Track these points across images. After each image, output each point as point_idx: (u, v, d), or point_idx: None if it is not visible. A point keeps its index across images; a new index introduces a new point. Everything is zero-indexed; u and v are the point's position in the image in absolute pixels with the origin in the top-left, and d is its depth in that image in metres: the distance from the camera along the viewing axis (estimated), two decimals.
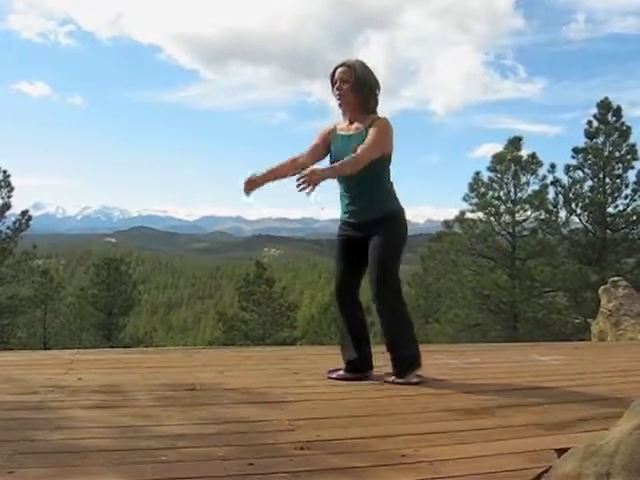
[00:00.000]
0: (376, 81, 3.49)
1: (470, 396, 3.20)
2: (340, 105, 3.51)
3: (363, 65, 3.46)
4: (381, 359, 3.59)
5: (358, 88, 3.40)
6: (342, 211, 3.59)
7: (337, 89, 3.45)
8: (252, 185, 3.50)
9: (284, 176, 3.54)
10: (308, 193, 3.04)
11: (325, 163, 3.56)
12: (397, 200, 3.54)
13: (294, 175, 3.20)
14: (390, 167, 3.50)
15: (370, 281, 3.44)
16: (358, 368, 3.54)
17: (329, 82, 3.50)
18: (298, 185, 3.03)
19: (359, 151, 3.30)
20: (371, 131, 3.36)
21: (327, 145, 3.58)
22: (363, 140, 3.36)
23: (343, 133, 3.53)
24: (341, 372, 3.55)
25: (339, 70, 3.44)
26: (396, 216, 3.49)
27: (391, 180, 3.52)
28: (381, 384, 3.43)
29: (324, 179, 3.11)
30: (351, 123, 3.51)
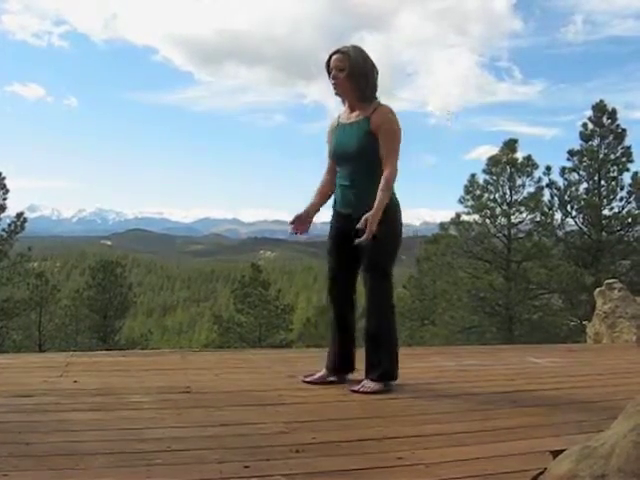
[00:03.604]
0: (372, 66, 3.37)
1: (465, 398, 3.20)
2: (337, 94, 3.41)
3: (359, 51, 3.35)
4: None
5: (354, 76, 3.29)
6: (335, 200, 3.49)
7: (333, 77, 3.33)
8: (302, 226, 3.52)
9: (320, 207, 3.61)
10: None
11: None
12: (394, 194, 3.37)
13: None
14: None
15: (363, 283, 3.37)
16: (339, 370, 3.48)
17: (325, 70, 3.39)
18: (362, 238, 3.11)
19: (386, 171, 3.24)
20: (383, 135, 3.26)
21: None
22: (364, 129, 3.28)
23: (344, 122, 3.44)
24: (316, 376, 3.47)
25: (334, 58, 3.32)
26: (391, 212, 3.32)
27: None
28: None
29: (379, 219, 3.13)
30: (352, 111, 3.40)
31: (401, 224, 3.45)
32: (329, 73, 3.37)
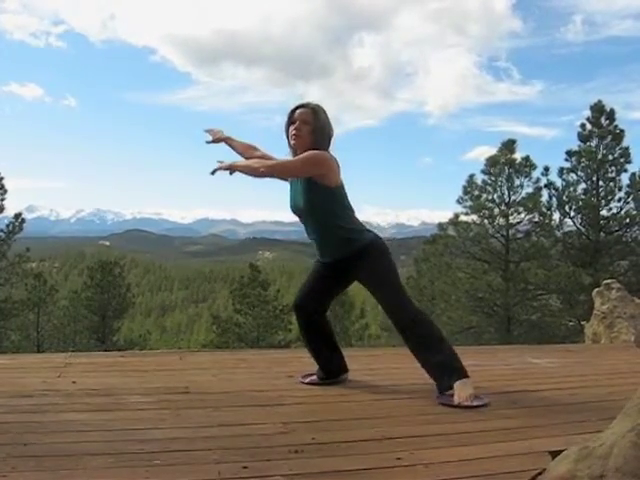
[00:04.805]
0: (331, 127, 3.40)
1: None
2: (292, 146, 3.37)
3: (324, 110, 3.37)
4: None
5: (317, 132, 3.30)
6: (316, 252, 3.51)
7: (296, 129, 3.31)
8: (219, 138, 3.80)
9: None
10: (212, 173, 3.36)
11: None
12: (366, 233, 3.37)
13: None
14: (346, 204, 3.36)
15: (393, 324, 3.31)
16: (332, 374, 3.51)
17: (285, 120, 3.39)
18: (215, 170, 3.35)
19: (281, 161, 3.34)
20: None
21: None
22: (306, 179, 3.28)
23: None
24: (314, 377, 3.52)
25: (300, 111, 3.33)
26: (372, 248, 3.31)
27: (354, 217, 3.38)
28: (375, 387, 3.44)
29: (237, 171, 3.29)
30: None
31: (388, 254, 3.38)
32: (290, 123, 3.36)
